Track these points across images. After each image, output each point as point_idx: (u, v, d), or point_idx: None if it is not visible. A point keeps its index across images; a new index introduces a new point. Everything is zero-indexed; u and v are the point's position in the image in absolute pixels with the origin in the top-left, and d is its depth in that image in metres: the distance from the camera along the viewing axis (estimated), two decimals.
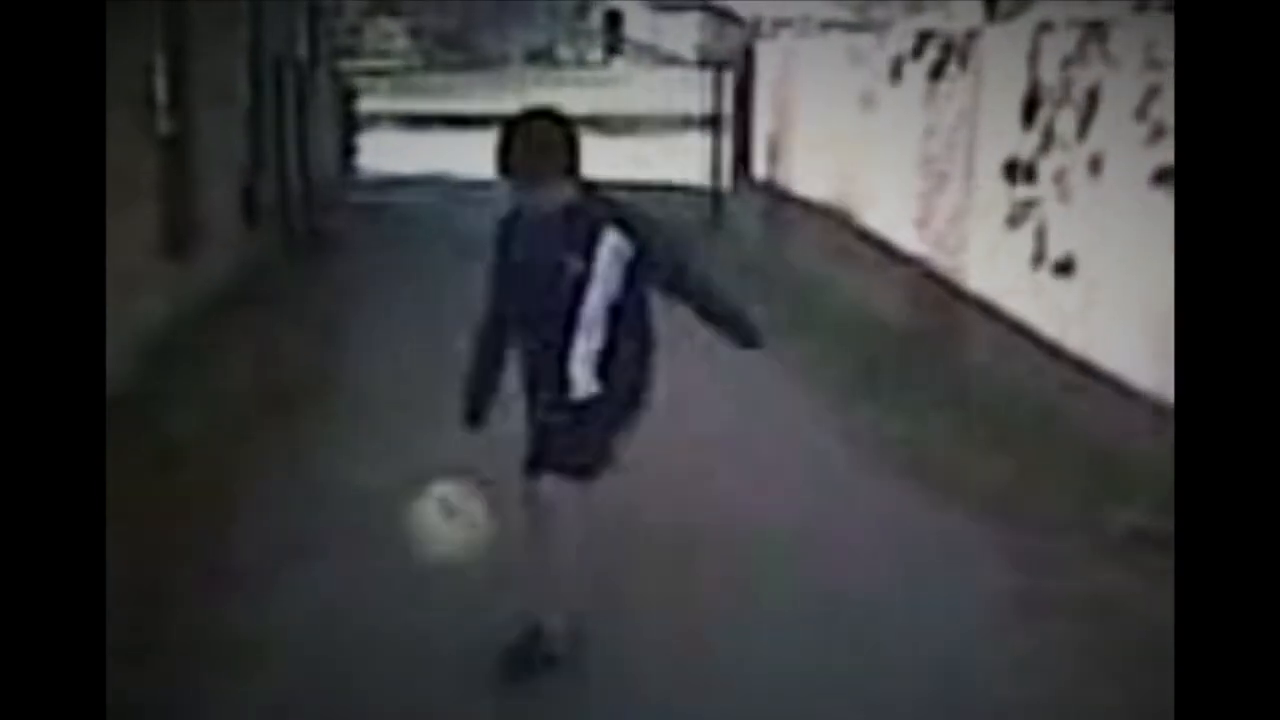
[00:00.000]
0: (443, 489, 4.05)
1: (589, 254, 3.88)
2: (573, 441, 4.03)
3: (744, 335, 4.21)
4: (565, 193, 3.91)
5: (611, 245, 3.88)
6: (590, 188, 3.99)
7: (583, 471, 4.05)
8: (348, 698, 4.13)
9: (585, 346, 3.97)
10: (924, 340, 9.06)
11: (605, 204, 3.96)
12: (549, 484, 4.04)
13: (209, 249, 10.55)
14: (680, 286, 4.05)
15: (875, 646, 4.48)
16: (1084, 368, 6.80)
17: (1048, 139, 7.23)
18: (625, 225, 3.92)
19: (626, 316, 4.01)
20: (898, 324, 9.61)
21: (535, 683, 4.15)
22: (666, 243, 4.07)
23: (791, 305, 10.45)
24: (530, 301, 4.03)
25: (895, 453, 6.74)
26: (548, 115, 3.95)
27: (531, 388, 4.14)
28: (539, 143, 3.86)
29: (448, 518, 3.99)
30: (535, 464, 4.11)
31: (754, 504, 5.85)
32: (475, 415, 4.31)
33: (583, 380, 3.99)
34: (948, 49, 8.80)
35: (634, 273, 3.93)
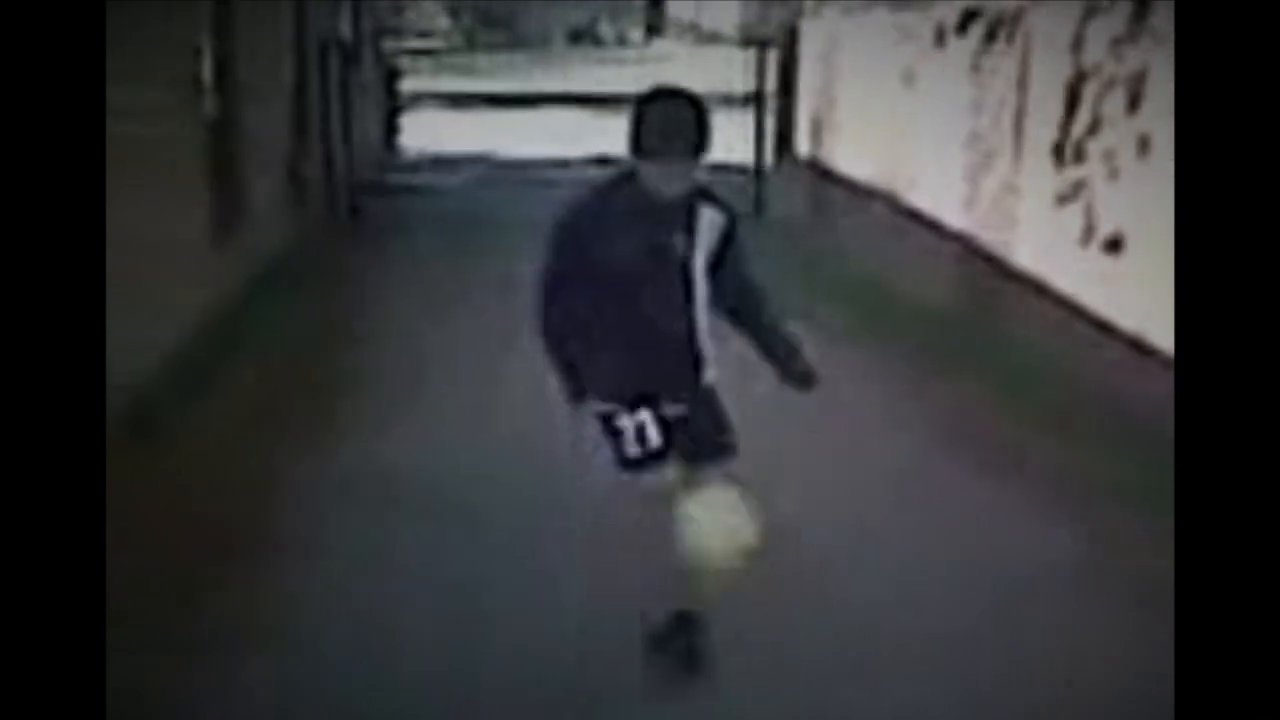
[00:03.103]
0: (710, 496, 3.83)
1: (691, 229, 3.85)
2: (714, 425, 4.03)
3: (791, 362, 4.05)
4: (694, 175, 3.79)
5: (708, 218, 3.88)
6: None
7: (730, 451, 4.06)
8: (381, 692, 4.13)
9: (705, 321, 3.93)
10: (973, 319, 9.00)
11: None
12: (710, 474, 3.97)
13: (255, 230, 10.62)
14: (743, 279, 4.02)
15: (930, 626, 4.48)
16: (1136, 345, 6.74)
17: (1095, 119, 7.15)
18: (713, 199, 3.93)
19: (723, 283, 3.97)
20: (945, 301, 9.55)
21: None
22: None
23: (832, 279, 10.41)
24: (639, 295, 3.81)
25: (944, 429, 6.72)
26: (686, 94, 3.73)
27: (645, 385, 3.89)
28: (688, 120, 3.67)
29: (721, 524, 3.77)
30: (692, 458, 3.95)
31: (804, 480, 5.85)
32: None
33: (711, 357, 3.96)
34: (995, 25, 8.71)
35: (727, 243, 3.92)
